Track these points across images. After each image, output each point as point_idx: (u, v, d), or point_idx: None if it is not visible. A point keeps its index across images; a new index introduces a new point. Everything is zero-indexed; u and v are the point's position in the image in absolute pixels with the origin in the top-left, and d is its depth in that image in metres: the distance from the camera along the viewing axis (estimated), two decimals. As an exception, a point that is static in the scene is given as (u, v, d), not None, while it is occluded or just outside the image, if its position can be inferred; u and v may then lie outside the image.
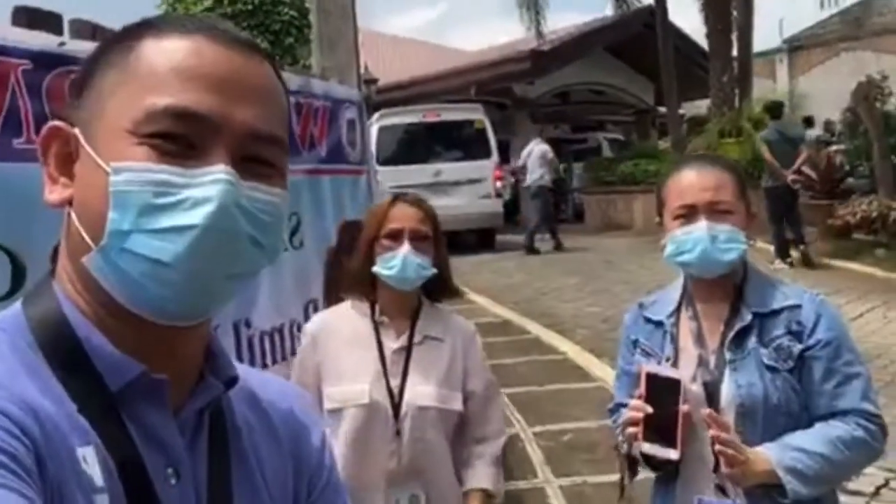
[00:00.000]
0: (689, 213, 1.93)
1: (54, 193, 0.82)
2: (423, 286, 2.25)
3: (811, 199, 12.62)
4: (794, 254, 10.51)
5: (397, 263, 2.16)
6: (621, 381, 2.14)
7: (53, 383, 0.75)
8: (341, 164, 3.55)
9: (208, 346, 0.88)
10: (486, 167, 14.00)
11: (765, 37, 31.94)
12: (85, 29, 2.21)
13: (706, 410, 1.81)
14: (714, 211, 1.91)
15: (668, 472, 1.96)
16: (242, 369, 0.94)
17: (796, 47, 28.69)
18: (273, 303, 2.93)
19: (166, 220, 0.75)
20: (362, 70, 7.75)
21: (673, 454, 1.83)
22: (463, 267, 10.10)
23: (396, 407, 2.18)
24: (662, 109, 20.10)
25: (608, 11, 19.62)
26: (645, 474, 2.05)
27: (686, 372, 1.92)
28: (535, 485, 4.53)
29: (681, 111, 18.75)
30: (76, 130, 0.81)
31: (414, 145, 13.74)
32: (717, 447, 1.78)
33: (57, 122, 0.83)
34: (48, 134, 0.83)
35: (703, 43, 17.50)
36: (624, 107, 22.34)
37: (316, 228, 3.30)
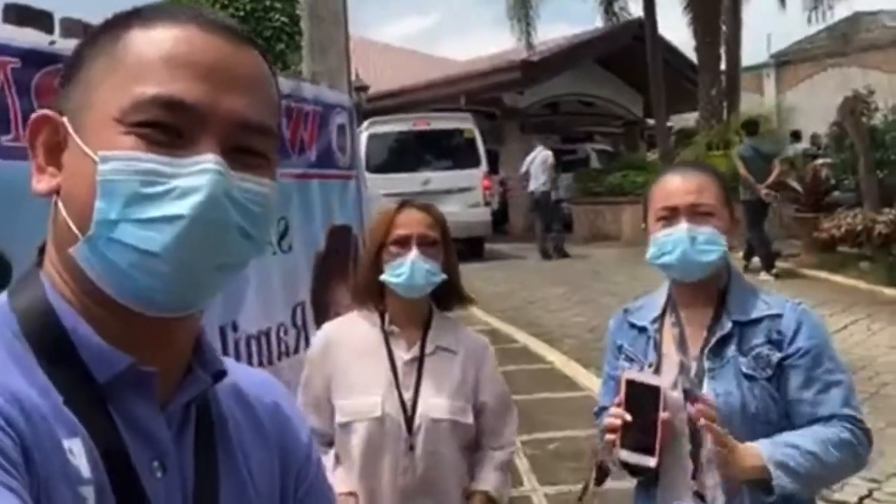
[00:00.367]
0: (670, 216, 1.95)
1: (42, 183, 0.81)
2: (433, 294, 2.21)
3: (797, 212, 12.71)
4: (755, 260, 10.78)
5: (405, 270, 2.11)
6: (607, 386, 2.14)
7: (39, 374, 0.74)
8: (331, 168, 3.54)
9: (197, 339, 0.87)
10: (475, 176, 14.02)
11: (753, 51, 32.14)
12: (76, 28, 2.20)
13: (698, 406, 1.79)
14: (695, 213, 1.92)
15: (648, 478, 1.96)
16: (229, 364, 0.93)
17: (784, 62, 28.89)
18: (260, 306, 2.92)
19: (154, 210, 0.74)
20: (353, 77, 7.75)
21: (650, 462, 1.82)
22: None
23: (409, 420, 2.12)
24: (651, 121, 20.21)
25: (598, 23, 19.76)
26: (624, 483, 2.05)
27: (667, 378, 1.92)
28: (521, 493, 4.53)
29: (669, 123, 18.86)
30: (64, 119, 0.80)
31: (403, 154, 13.75)
32: (704, 427, 1.77)
33: (45, 111, 0.82)
34: (36, 123, 0.82)
35: (692, 56, 17.64)
36: (613, 118, 22.44)
37: (304, 232, 3.29)
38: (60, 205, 0.79)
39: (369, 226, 2.44)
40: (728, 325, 1.92)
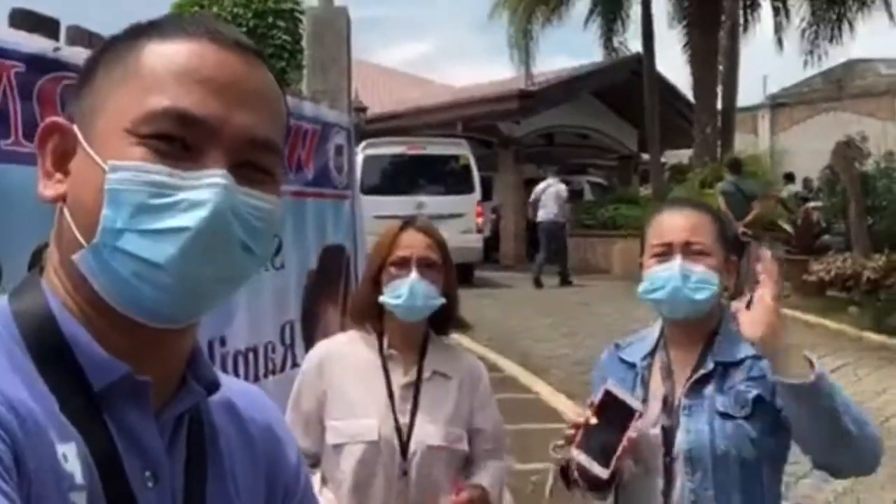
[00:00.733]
0: (665, 252, 1.95)
1: (49, 189, 0.81)
2: (430, 318, 2.19)
3: (788, 254, 12.76)
4: None
5: (405, 292, 2.09)
6: None
7: (36, 378, 0.74)
8: (327, 187, 3.55)
9: (192, 351, 0.87)
10: (468, 202, 14.05)
11: (749, 92, 32.50)
12: (81, 36, 2.20)
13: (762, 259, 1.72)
14: (689, 251, 1.92)
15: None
16: (223, 378, 0.93)
17: (779, 104, 29.16)
18: (250, 322, 2.91)
19: (160, 222, 0.74)
20: (353, 97, 7.78)
21: (602, 473, 1.80)
22: (440, 300, 9.99)
23: (404, 445, 2.10)
24: (645, 156, 20.33)
25: (597, 57, 19.91)
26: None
27: (651, 415, 1.92)
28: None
29: (663, 159, 18.95)
30: (74, 127, 0.80)
31: (398, 176, 13.78)
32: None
33: (56, 118, 0.83)
34: (46, 129, 0.82)
35: (689, 94, 17.79)
36: (607, 151, 22.54)
37: (297, 251, 3.29)
38: (66, 212, 0.79)
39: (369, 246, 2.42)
40: (710, 365, 1.92)
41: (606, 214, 16.69)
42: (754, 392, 1.85)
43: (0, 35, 1.96)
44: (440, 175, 14.22)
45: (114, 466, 0.75)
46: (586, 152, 22.53)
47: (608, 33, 18.77)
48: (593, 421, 1.82)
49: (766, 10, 19.02)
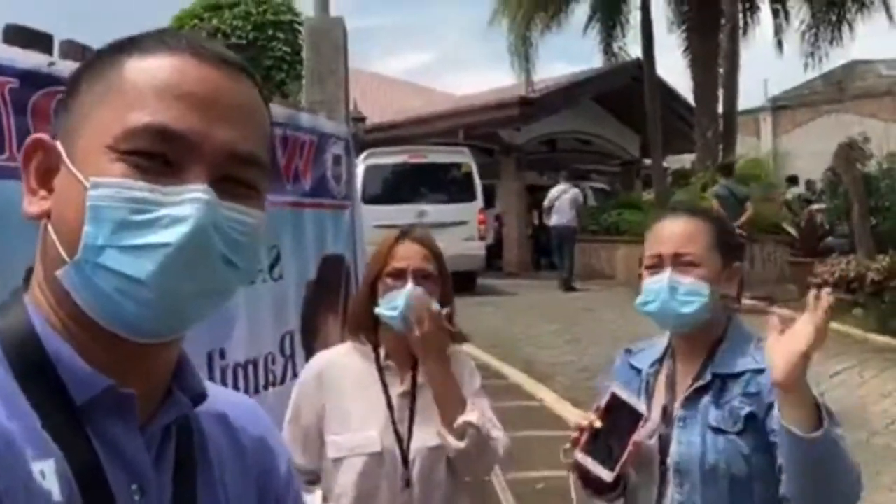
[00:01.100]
0: (656, 264, 1.94)
1: (33, 205, 0.82)
2: None
3: (792, 257, 12.74)
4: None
5: (400, 304, 2.08)
6: None
7: (18, 396, 0.74)
8: (325, 198, 3.54)
9: (178, 362, 0.87)
10: (470, 210, 14.06)
11: (750, 95, 32.47)
12: (75, 51, 2.21)
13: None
14: (679, 263, 1.90)
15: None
16: (216, 390, 0.94)
17: (780, 107, 29.16)
18: (249, 334, 2.90)
19: (141, 238, 0.75)
20: (351, 107, 7.80)
21: (606, 475, 1.78)
22: (443, 308, 9.99)
23: (405, 454, 2.09)
24: (647, 161, 20.30)
25: (597, 63, 19.92)
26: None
27: (651, 424, 1.91)
28: (506, 531, 4.47)
29: (665, 164, 18.93)
30: (58, 143, 0.81)
31: (400, 185, 13.78)
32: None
33: (40, 135, 0.83)
34: (30, 146, 0.83)
35: (690, 98, 17.78)
36: (609, 157, 22.54)
37: (296, 261, 3.29)
38: (50, 228, 0.79)
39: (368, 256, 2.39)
40: (708, 377, 1.89)
41: (610, 220, 16.67)
42: (747, 409, 1.82)
43: (-5, 52, 1.97)
44: (442, 183, 14.23)
45: (96, 480, 0.75)
46: (589, 158, 22.53)
47: (608, 39, 18.76)
48: (598, 424, 1.81)
49: (765, 13, 19.06)
